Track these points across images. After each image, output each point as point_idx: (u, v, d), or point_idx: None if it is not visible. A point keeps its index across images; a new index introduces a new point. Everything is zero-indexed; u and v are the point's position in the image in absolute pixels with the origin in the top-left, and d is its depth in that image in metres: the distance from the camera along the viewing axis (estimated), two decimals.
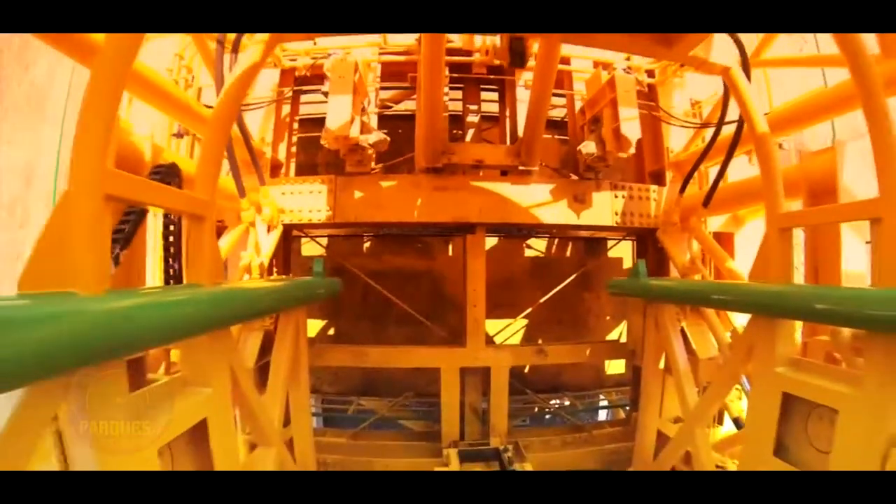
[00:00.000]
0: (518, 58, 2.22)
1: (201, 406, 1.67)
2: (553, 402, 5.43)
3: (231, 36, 2.52)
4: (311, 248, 5.00)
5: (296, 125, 4.24)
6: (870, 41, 2.49)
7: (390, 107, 4.46)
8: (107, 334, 1.14)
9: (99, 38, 2.02)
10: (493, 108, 4.39)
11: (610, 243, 5.17)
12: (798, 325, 2.66)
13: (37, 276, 1.10)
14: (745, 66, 2.61)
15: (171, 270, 1.94)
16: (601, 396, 5.77)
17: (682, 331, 3.33)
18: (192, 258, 1.73)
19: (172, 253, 1.93)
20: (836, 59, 2.49)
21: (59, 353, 1.02)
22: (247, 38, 2.78)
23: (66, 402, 1.16)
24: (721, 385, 2.73)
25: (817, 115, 2.53)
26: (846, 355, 2.17)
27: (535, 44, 2.50)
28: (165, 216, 1.91)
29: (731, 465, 2.92)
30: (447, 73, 3.30)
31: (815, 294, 1.91)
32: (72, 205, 1.17)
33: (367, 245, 5.00)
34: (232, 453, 1.91)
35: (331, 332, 5.04)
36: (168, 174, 1.87)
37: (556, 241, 5.27)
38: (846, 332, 2.17)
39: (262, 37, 1.90)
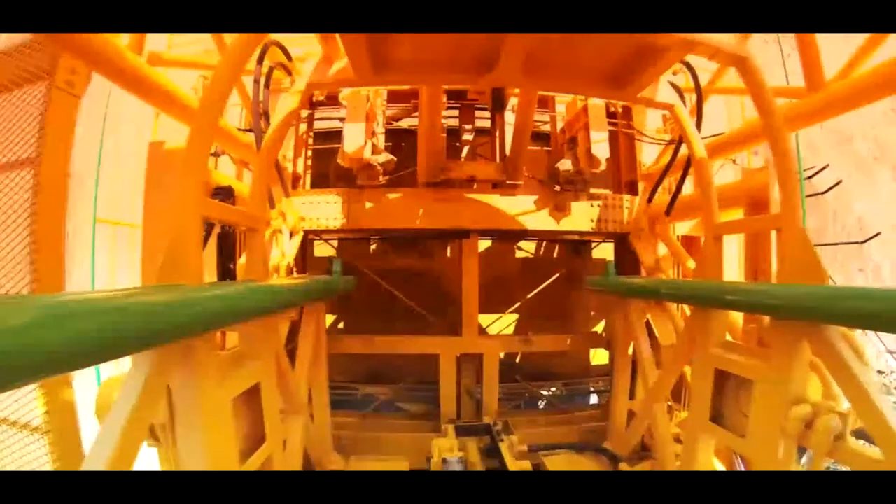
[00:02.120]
0: (498, 104, 2.73)
1: (256, 373, 2.19)
2: (543, 391, 5.96)
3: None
4: (322, 249, 5.53)
5: (310, 140, 4.77)
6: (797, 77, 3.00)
7: (393, 123, 4.98)
8: (207, 313, 1.66)
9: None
10: (487, 122, 4.91)
11: (594, 245, 5.70)
12: (734, 314, 3.18)
13: (165, 273, 1.62)
14: (698, 93, 3.13)
15: (227, 269, 2.47)
16: (590, 386, 6.30)
17: (648, 322, 3.85)
18: (248, 260, 2.25)
19: (228, 255, 2.46)
20: (785, 91, 3.01)
21: (180, 326, 1.54)
22: (280, 74, 3.31)
23: (179, 362, 1.68)
24: (672, 366, 3.25)
25: (750, 141, 3.04)
26: (765, 337, 2.69)
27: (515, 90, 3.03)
28: (222, 227, 2.43)
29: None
30: (445, 99, 3.83)
31: (729, 288, 2.43)
32: (184, 224, 1.69)
33: (373, 247, 5.52)
34: (276, 414, 2.44)
35: (340, 325, 5.57)
36: (227, 195, 2.40)
37: (545, 243, 5.80)
38: (766, 319, 2.69)
39: (299, 87, 2.42)
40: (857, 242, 14.25)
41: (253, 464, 2.20)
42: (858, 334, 2.24)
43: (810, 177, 10.61)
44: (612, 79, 2.45)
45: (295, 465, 2.94)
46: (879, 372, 17.16)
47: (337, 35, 2.18)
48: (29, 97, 2.09)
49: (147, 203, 2.44)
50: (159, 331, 1.44)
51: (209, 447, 1.77)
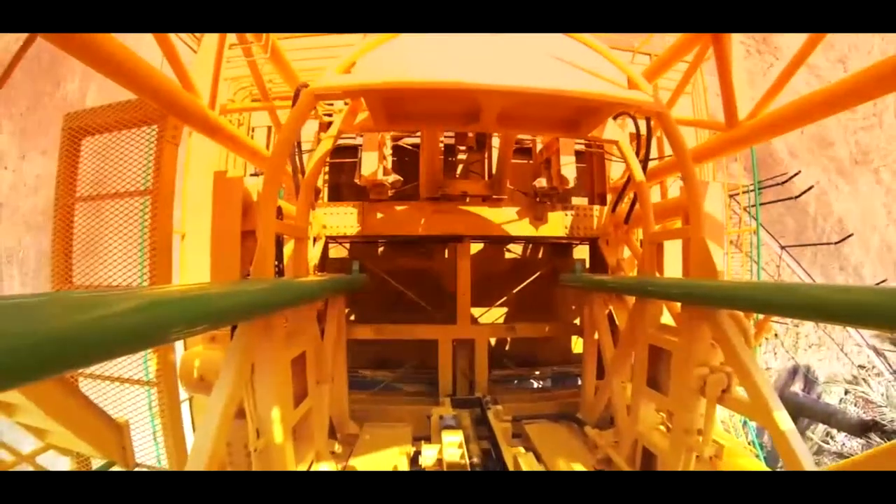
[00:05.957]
0: (480, 144, 3.53)
1: (304, 343, 3.01)
2: (530, 376, 6.80)
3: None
4: (336, 251, 6.35)
5: (327, 157, 5.60)
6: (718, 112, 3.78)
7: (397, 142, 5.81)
8: (281, 296, 2.46)
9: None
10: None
11: (575, 245, 6.52)
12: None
13: (257, 271, 2.44)
14: (648, 130, 3.93)
15: (277, 268, 3.29)
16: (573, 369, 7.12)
17: (610, 311, 4.65)
18: (295, 261, 3.07)
19: (279, 257, 3.28)
20: (711, 125, 3.78)
21: (271, 305, 2.34)
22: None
23: (263, 332, 2.49)
24: (625, 346, 4.05)
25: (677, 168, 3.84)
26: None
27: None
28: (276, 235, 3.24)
29: None
30: None
31: (651, 282, 3.24)
32: (264, 239, 2.49)
33: (381, 249, 6.35)
34: (314, 377, 3.25)
35: (352, 317, 6.39)
36: (278, 213, 3.22)
37: (530, 245, 6.62)
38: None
39: (332, 132, 3.24)
40: (830, 243, 15.03)
41: (300, 412, 3.02)
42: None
43: (783, 182, 11.44)
44: (566, 124, 3.26)
45: (324, 422, 3.75)
46: (860, 367, 17.87)
47: (362, 98, 3.00)
48: (143, 135, 2.93)
49: (214, 220, 3.23)
50: (260, 310, 2.25)
51: (277, 393, 2.58)
